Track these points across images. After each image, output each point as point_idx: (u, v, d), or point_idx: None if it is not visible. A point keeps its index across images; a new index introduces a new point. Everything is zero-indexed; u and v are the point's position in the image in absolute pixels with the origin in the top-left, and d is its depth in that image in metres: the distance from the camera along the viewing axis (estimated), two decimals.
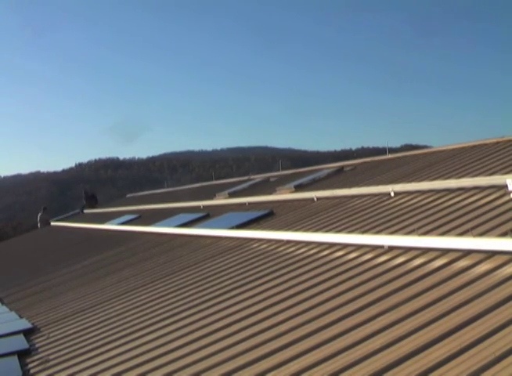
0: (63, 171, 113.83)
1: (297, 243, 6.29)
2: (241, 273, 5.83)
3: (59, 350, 5.11)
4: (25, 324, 6.37)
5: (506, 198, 5.56)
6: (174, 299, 5.65)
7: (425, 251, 4.63)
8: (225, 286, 5.54)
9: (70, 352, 4.95)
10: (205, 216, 10.71)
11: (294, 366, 3.28)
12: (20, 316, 6.95)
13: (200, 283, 6.01)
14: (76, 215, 23.44)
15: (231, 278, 5.77)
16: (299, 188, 10.34)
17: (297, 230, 6.93)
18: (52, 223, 22.41)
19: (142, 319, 5.32)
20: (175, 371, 3.79)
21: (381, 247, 5.10)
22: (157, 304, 5.68)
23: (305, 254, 5.76)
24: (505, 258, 3.93)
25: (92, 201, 24.05)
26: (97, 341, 5.06)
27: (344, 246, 5.53)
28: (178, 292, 5.89)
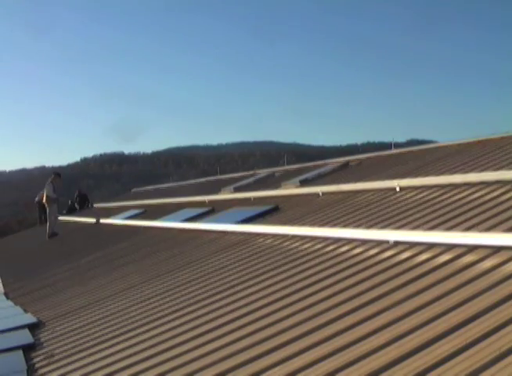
0: (68, 166, 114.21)
1: (302, 238, 6.28)
2: (246, 268, 5.83)
3: (64, 344, 5.13)
4: (30, 319, 6.39)
5: None
6: (179, 294, 5.65)
7: (430, 246, 4.61)
8: (230, 281, 5.54)
9: (74, 347, 4.97)
10: (210, 211, 10.71)
11: (299, 361, 3.27)
12: (25, 311, 6.97)
13: (204, 278, 6.01)
14: (68, 212, 23.31)
15: (235, 273, 5.77)
16: (304, 183, 10.31)
17: (302, 225, 6.92)
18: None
19: (146, 314, 5.33)
20: (181, 365, 3.79)
21: (386, 242, 5.08)
22: (162, 299, 5.68)
23: (310, 250, 5.75)
24: (511, 253, 3.91)
25: (83, 202, 23.93)
26: (102, 335, 5.07)
27: (349, 241, 5.52)
28: (183, 287, 5.89)
